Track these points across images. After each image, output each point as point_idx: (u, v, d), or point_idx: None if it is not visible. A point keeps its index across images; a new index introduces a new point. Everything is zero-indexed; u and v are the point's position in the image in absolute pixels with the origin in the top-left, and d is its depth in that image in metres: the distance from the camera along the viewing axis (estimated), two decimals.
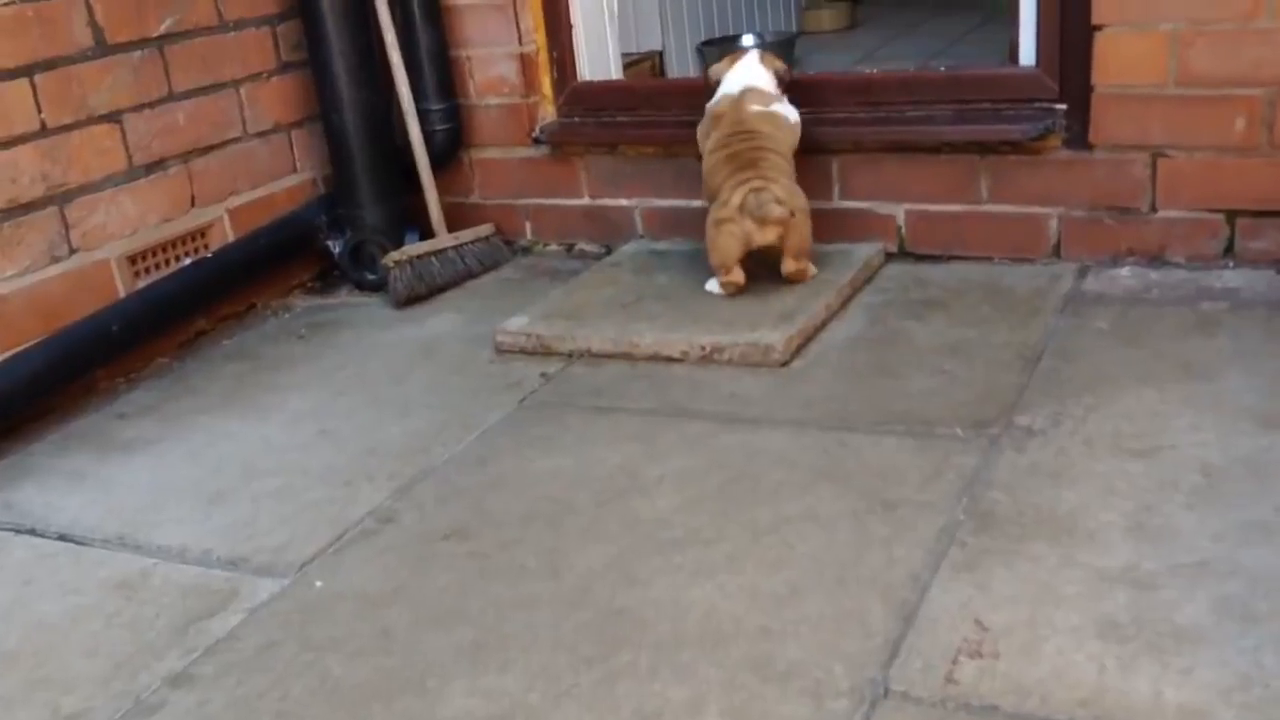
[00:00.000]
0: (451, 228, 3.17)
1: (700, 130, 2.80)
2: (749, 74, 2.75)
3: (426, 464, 2.14)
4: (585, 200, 3.21)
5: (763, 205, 2.51)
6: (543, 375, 2.46)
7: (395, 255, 2.98)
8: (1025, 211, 2.74)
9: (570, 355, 2.54)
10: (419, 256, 3.01)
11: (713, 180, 2.66)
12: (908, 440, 2.00)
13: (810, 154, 2.84)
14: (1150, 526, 1.68)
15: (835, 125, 2.85)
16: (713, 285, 2.66)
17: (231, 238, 2.95)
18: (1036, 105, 2.69)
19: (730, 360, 2.39)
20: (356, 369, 2.62)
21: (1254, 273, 2.51)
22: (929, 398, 2.14)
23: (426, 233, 3.13)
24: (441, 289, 3.04)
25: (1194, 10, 2.46)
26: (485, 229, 3.22)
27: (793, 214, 2.54)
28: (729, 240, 2.56)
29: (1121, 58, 2.54)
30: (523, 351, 2.58)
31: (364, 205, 3.08)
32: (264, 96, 3.05)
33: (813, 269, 2.66)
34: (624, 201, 3.17)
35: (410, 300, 2.97)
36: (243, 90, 2.99)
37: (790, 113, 2.74)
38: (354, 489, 2.08)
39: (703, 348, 2.42)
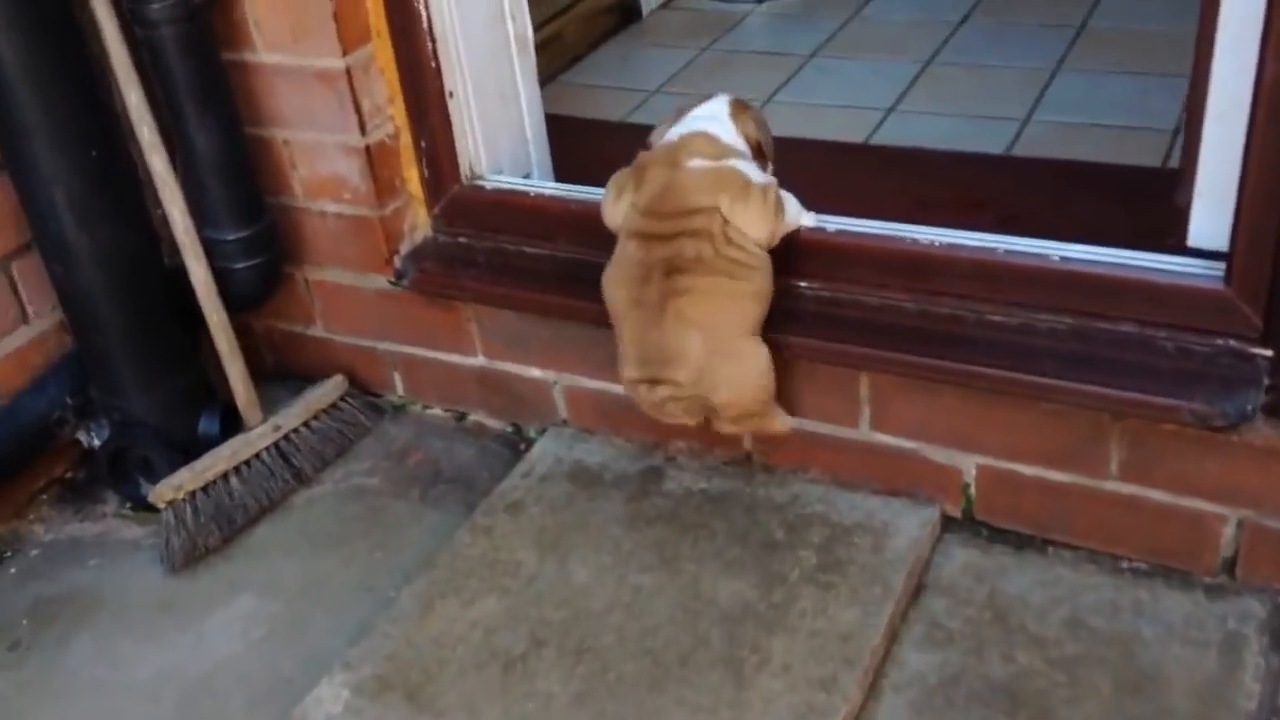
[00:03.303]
0: (284, 370, 2.10)
1: (611, 188, 1.70)
2: (703, 119, 1.69)
3: None
4: (479, 360, 2.09)
5: (661, 408, 1.65)
6: None
7: (169, 490, 1.89)
8: (1183, 505, 1.63)
9: None
10: (207, 486, 1.93)
11: (612, 295, 1.67)
12: None
13: (823, 362, 1.73)
14: None
15: (862, 328, 1.70)
16: None
17: None
18: (1219, 344, 1.54)
19: None
20: None
21: None
22: None
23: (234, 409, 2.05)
24: (250, 523, 1.98)
25: None
26: (332, 389, 2.11)
27: (708, 401, 1.63)
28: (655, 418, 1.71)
29: None
30: None
31: (124, 391, 1.96)
32: None
33: (778, 422, 1.73)
34: (536, 372, 2.04)
35: (192, 560, 1.91)
36: None
37: (755, 173, 1.66)
38: None
39: None
